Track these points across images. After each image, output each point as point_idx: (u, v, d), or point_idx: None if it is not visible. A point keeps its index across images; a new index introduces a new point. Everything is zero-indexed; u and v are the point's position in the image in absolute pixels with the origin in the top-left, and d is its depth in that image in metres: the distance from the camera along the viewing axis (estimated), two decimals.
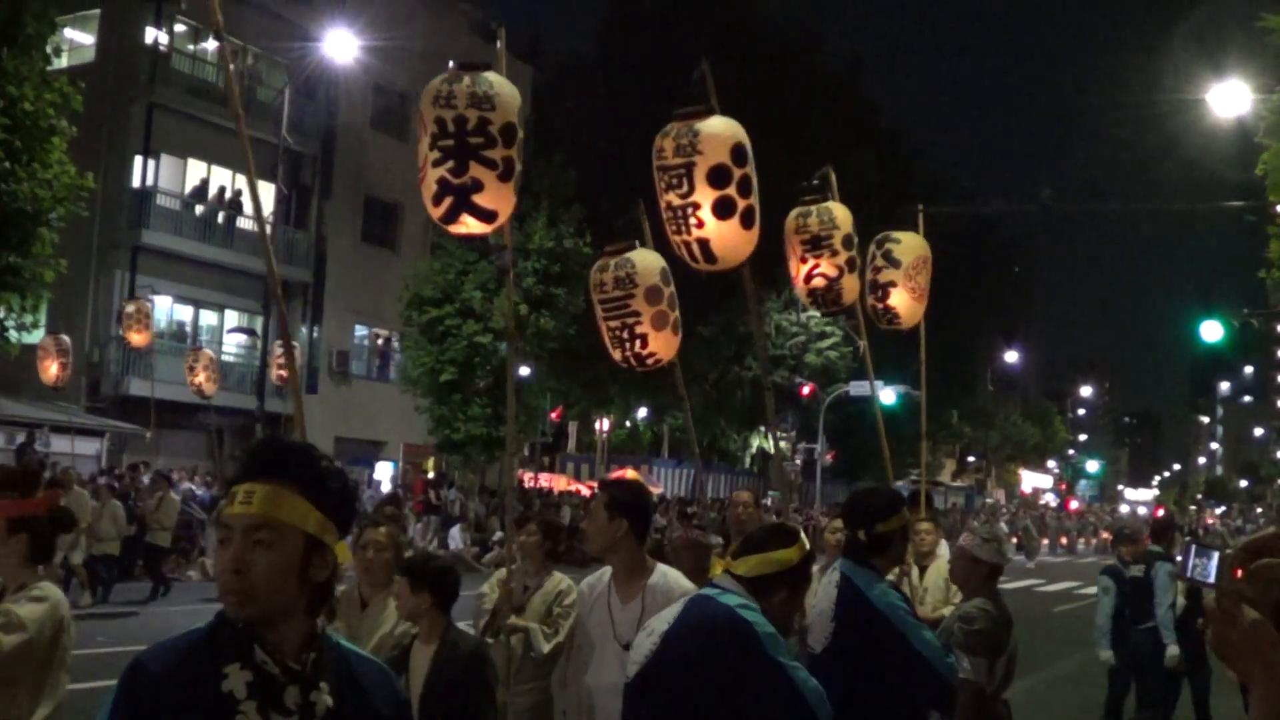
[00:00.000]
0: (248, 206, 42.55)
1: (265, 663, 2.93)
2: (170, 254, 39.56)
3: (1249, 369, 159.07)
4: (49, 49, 26.46)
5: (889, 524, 6.17)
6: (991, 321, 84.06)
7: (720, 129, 8.61)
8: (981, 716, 6.91)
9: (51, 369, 25.14)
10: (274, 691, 2.92)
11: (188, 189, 41.40)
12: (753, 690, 4.67)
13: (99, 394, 37.87)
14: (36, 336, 27.59)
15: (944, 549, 10.88)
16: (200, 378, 26.83)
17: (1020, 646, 7.41)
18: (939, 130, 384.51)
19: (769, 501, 58.89)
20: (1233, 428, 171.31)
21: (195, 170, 41.61)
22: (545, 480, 49.85)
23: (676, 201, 8.48)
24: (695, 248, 8.57)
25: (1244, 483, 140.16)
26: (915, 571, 10.49)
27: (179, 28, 41.50)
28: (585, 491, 45.85)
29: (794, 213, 10.47)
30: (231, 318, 42.64)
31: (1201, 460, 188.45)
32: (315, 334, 44.54)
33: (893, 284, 11.77)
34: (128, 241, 38.61)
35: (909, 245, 11.99)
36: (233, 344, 42.62)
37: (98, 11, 39.76)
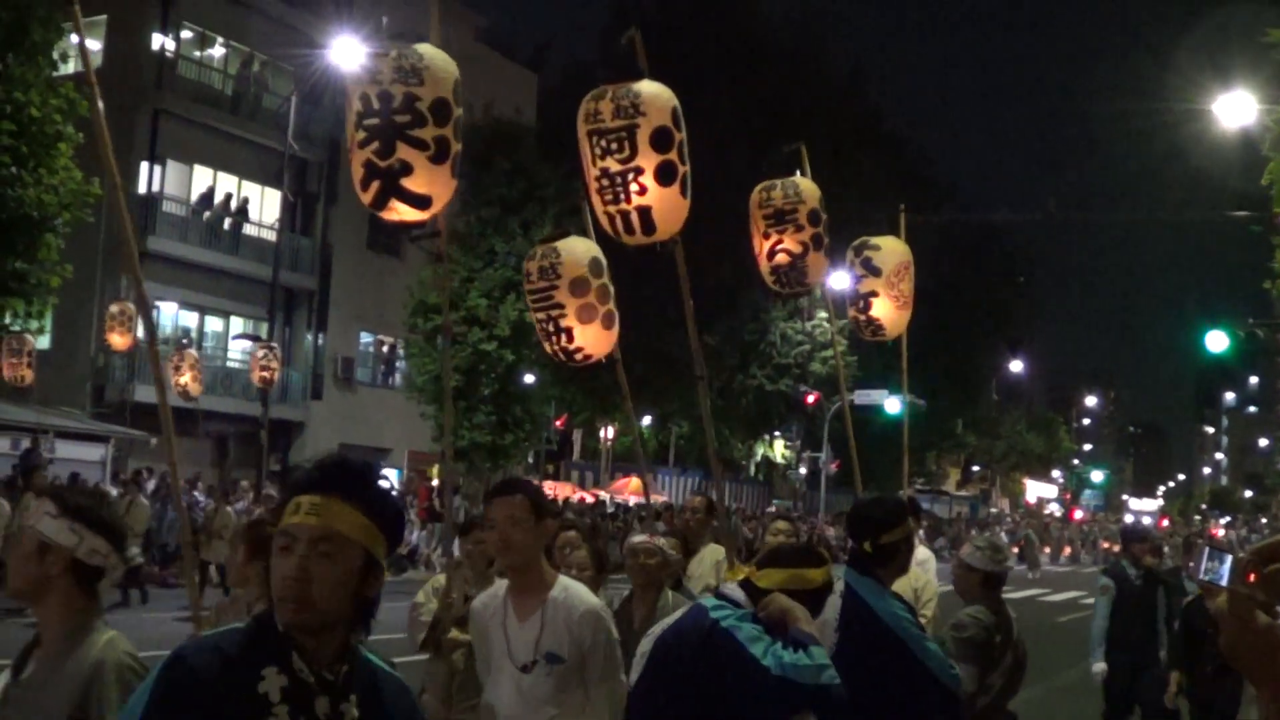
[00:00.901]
0: (254, 213, 42.64)
1: (301, 670, 2.97)
2: (176, 260, 39.61)
3: (1254, 379, 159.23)
4: (55, 55, 26.50)
5: (894, 534, 6.14)
6: (997, 331, 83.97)
7: (659, 91, 8.23)
8: None
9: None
10: (307, 699, 2.96)
11: (194, 195, 41.44)
12: (740, 692, 4.65)
13: (104, 400, 37.89)
14: (44, 343, 27.64)
15: (922, 556, 10.24)
16: (185, 378, 26.71)
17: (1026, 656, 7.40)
18: (944, 139, 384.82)
19: (773, 508, 59.02)
20: (1237, 438, 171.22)
21: (201, 177, 41.66)
22: (549, 488, 49.85)
23: (615, 168, 8.10)
24: (634, 217, 8.17)
25: (1248, 493, 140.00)
26: None
27: (185, 34, 41.57)
28: (590, 500, 45.86)
29: (759, 187, 10.24)
30: (237, 324, 42.67)
31: (1206, 470, 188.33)
32: (320, 341, 44.58)
33: (874, 294, 11.61)
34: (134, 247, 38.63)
35: (889, 251, 11.90)
36: (238, 350, 42.66)
37: (104, 17, 39.81)
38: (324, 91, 40.61)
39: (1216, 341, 30.05)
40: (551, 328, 8.92)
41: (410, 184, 7.60)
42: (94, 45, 40.38)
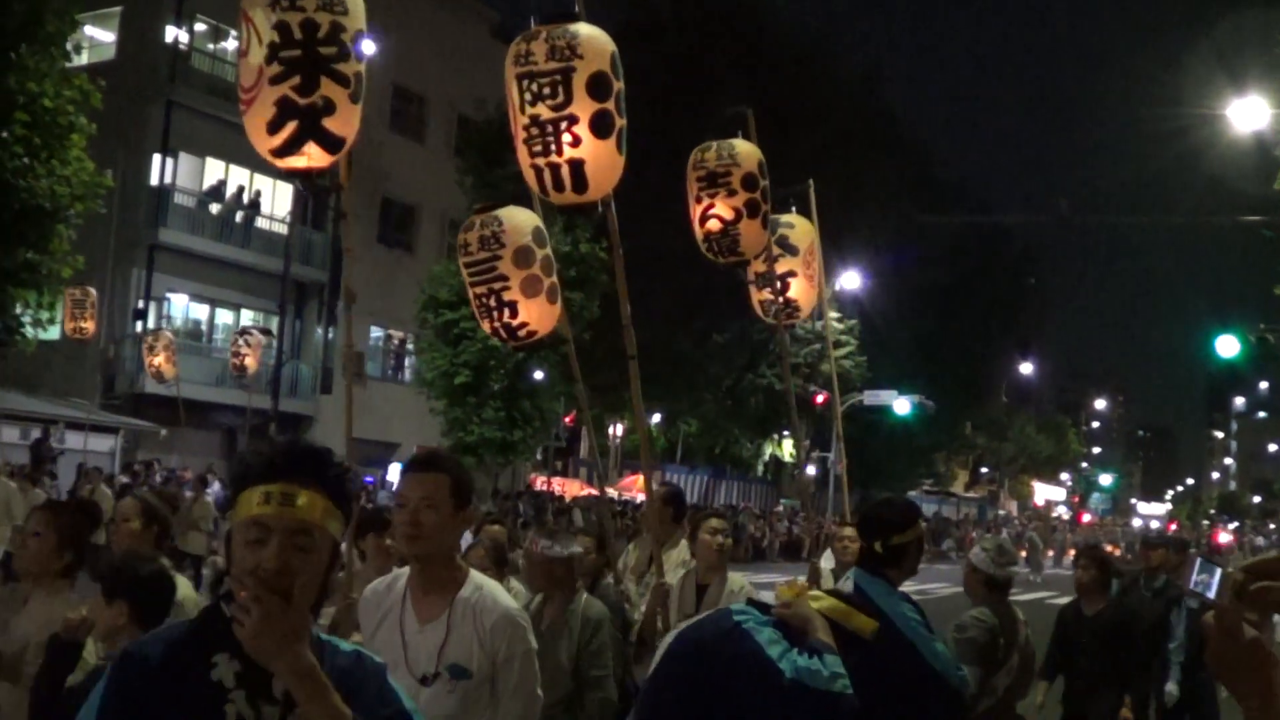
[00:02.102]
0: (266, 206, 42.66)
1: None
2: (187, 252, 39.67)
3: (1264, 384, 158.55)
4: (69, 46, 26.52)
5: (905, 535, 6.13)
6: (1006, 332, 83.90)
7: (597, 34, 7.48)
8: None
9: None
10: (263, 681, 2.92)
11: (205, 188, 41.49)
12: (751, 694, 4.63)
13: (114, 391, 37.94)
14: (53, 333, 27.64)
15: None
16: (159, 359, 26.62)
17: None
18: (956, 140, 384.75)
19: (780, 508, 59.04)
20: (1246, 444, 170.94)
21: (213, 169, 41.69)
22: (558, 485, 49.88)
23: (547, 115, 7.28)
24: (565, 171, 7.35)
25: (1256, 499, 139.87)
26: (830, 580, 9.45)
27: (199, 26, 41.61)
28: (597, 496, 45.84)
29: (696, 149, 9.54)
30: (247, 317, 42.71)
31: (1215, 475, 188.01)
32: (330, 335, 44.60)
33: (792, 274, 10.94)
34: (145, 240, 38.71)
35: (803, 230, 11.17)
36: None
37: (119, 9, 39.86)
38: None
39: (1227, 346, 29.96)
40: (493, 302, 8.32)
41: (331, 124, 7.18)
42: (108, 37, 40.52)
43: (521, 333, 8.40)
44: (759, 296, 11.10)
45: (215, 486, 31.24)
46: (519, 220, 8.33)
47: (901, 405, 55.42)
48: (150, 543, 6.58)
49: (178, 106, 39.58)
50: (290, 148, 7.17)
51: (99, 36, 40.18)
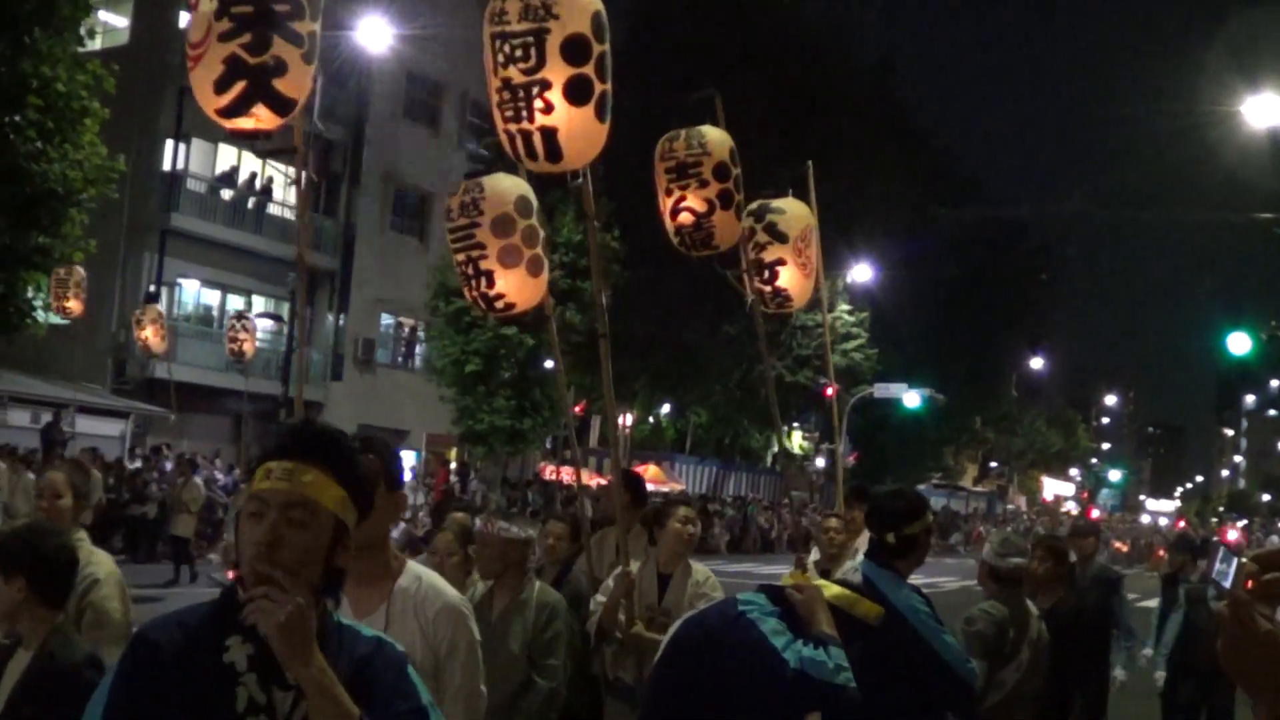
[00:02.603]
0: (278, 193, 42.66)
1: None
2: (199, 238, 39.66)
3: (1275, 382, 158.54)
4: (83, 31, 26.53)
5: (915, 526, 6.13)
6: (1018, 327, 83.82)
7: None
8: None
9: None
10: (275, 665, 2.90)
11: (218, 174, 41.49)
12: (755, 683, 4.61)
13: (124, 376, 37.97)
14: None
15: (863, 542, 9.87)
16: (147, 332, 26.51)
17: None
18: (972, 134, 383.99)
19: (787, 502, 59.01)
20: (1256, 441, 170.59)
21: (226, 155, 41.69)
22: (567, 474, 49.88)
23: (518, 79, 6.75)
24: (537, 139, 6.79)
25: (1266, 496, 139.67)
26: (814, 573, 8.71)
27: None
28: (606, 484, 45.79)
29: (663, 138, 9.11)
30: (258, 303, 42.72)
31: (1224, 473, 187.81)
32: (341, 321, 44.61)
33: (781, 262, 10.36)
34: (157, 224, 38.71)
35: (794, 215, 10.58)
36: (259, 329, 42.77)
37: None
38: (350, 72, 40.60)
39: (1238, 344, 29.90)
40: (471, 270, 8.00)
41: (281, 85, 6.93)
42: (121, 22, 40.50)
43: (499, 304, 8.04)
44: (753, 286, 10.48)
45: (214, 472, 31.34)
46: (501, 188, 7.97)
47: (912, 398, 55.45)
48: (75, 517, 6.42)
49: (190, 92, 39.50)
50: (238, 108, 7.00)
51: (112, 21, 40.17)
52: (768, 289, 10.28)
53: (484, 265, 7.85)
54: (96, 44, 30.34)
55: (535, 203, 8.00)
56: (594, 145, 7.02)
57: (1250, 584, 2.26)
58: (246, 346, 28.71)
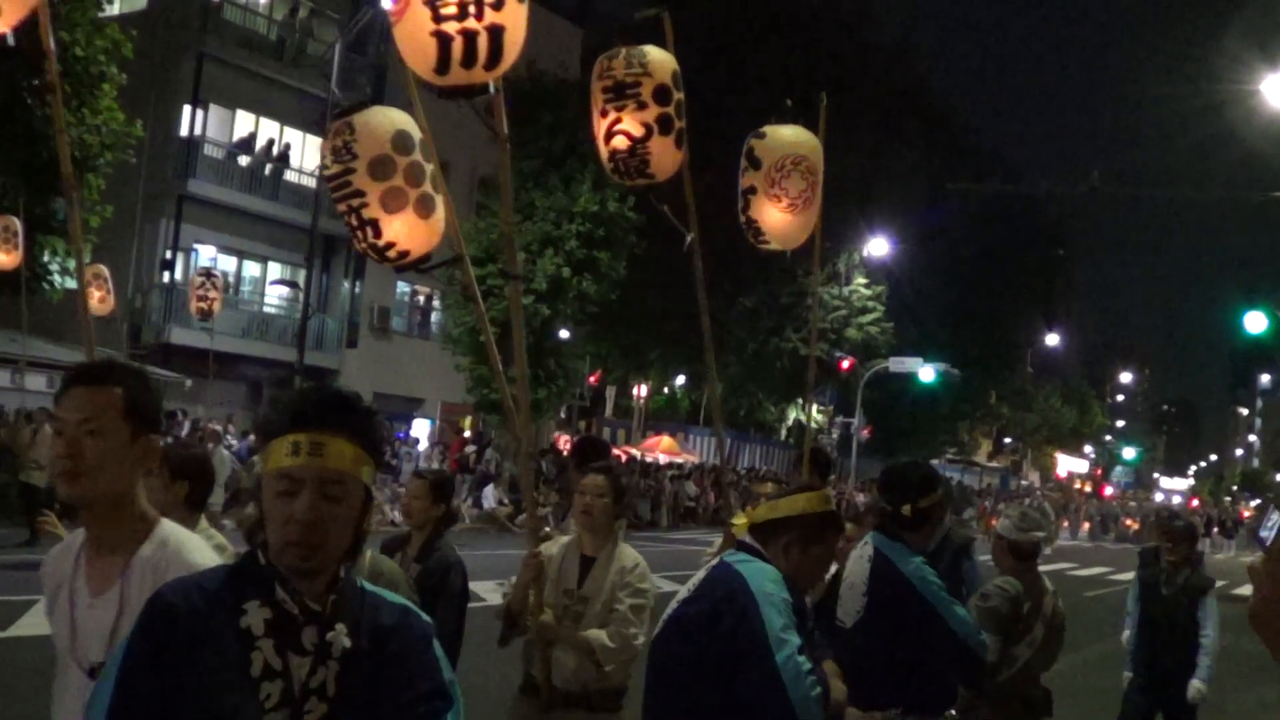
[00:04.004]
0: (295, 159, 42.63)
1: (285, 601, 2.91)
2: (216, 204, 39.66)
3: None
4: None
5: (931, 498, 6.14)
6: (1034, 303, 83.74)
7: None
8: (1015, 699, 6.86)
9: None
10: (293, 630, 2.90)
11: (235, 140, 41.48)
12: (739, 664, 4.59)
13: (140, 341, 38.02)
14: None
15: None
16: (96, 297, 26.03)
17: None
18: (988, 111, 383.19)
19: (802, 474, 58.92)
20: (1271, 420, 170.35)
21: (243, 122, 41.65)
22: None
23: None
24: (483, 40, 6.41)
25: (1279, 476, 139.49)
26: None
27: None
28: (622, 457, 45.90)
29: (601, 57, 8.50)
30: (275, 270, 42.77)
31: (1238, 452, 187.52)
32: (357, 289, 44.64)
33: (753, 190, 9.34)
34: (174, 190, 38.71)
35: (777, 141, 9.47)
36: (275, 296, 42.79)
37: None
38: (369, 39, 40.55)
39: (1255, 323, 29.85)
40: (355, 221, 7.05)
41: None
42: None
43: (391, 253, 7.11)
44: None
45: (228, 439, 31.33)
46: (375, 125, 7.00)
47: (927, 373, 55.41)
48: None
49: (209, 58, 39.51)
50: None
51: None
52: (742, 218, 9.39)
53: (367, 214, 6.94)
54: (115, 9, 30.38)
55: (418, 134, 7.08)
56: (516, 43, 6.59)
57: None
58: (215, 305, 28.27)
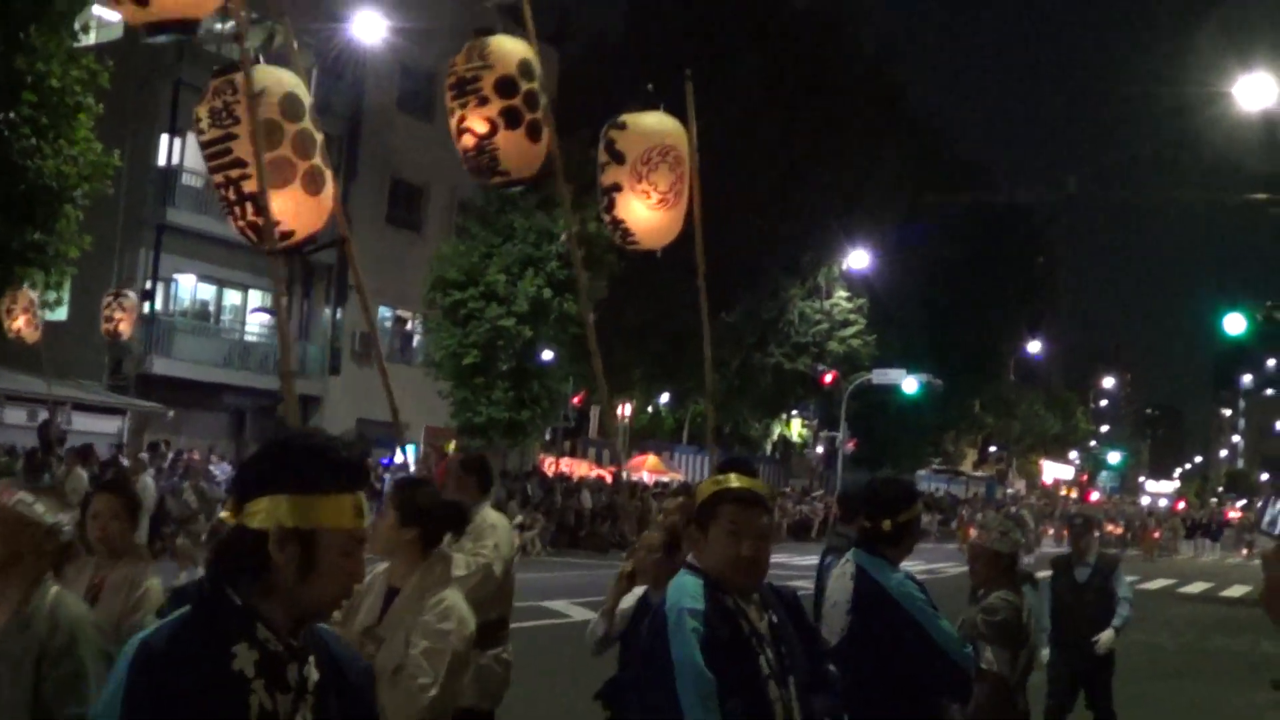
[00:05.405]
0: None
1: (268, 640, 2.94)
2: (195, 233, 39.56)
3: (1271, 362, 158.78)
4: (77, 26, 26.51)
5: (910, 513, 6.16)
6: (1015, 311, 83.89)
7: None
8: (1002, 707, 6.87)
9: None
10: (278, 669, 2.93)
11: None
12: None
13: (120, 372, 37.94)
14: (61, 314, 27.59)
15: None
16: (19, 322, 25.67)
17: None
18: (966, 118, 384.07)
19: (788, 488, 59.05)
20: (1254, 421, 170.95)
21: None
22: (566, 465, 49.91)
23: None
24: None
25: (1264, 476, 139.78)
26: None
27: None
28: (607, 477, 45.91)
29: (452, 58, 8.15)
30: (255, 298, 42.71)
31: (1223, 453, 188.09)
32: (338, 315, 44.60)
33: (618, 188, 8.55)
34: (153, 219, 38.66)
35: (640, 131, 8.61)
36: (255, 324, 42.71)
37: None
38: (345, 65, 40.59)
39: (1234, 324, 29.98)
40: (233, 195, 6.53)
41: None
42: (115, 17, 40.34)
43: (277, 234, 6.59)
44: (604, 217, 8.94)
45: (210, 468, 31.16)
46: (266, 84, 6.44)
47: (910, 384, 55.52)
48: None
49: (185, 86, 39.44)
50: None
51: (106, 16, 39.99)
52: (606, 218, 8.69)
53: (247, 187, 6.36)
54: (90, 39, 30.32)
55: (309, 99, 6.63)
56: None
57: None
58: (123, 326, 27.92)
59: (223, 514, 3.13)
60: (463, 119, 7.73)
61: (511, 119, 7.66)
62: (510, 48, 7.86)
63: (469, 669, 5.88)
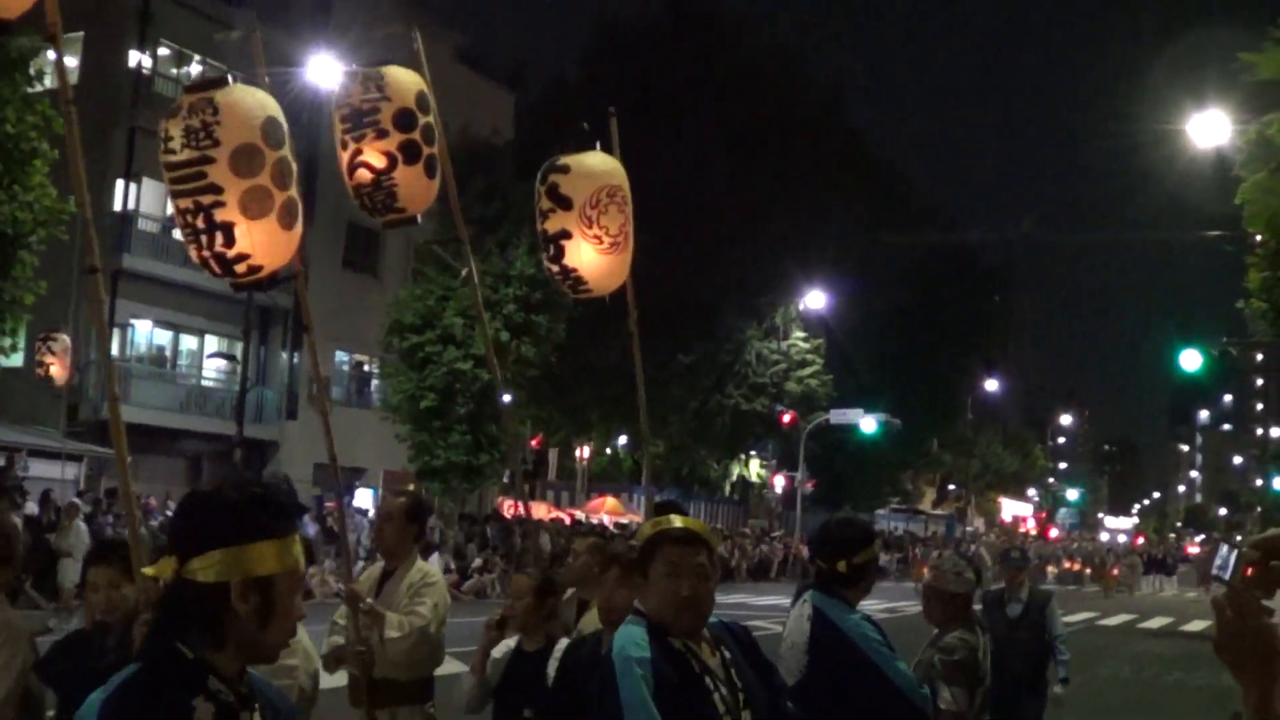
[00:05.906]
0: None
1: (220, 691, 2.93)
2: (151, 278, 39.47)
3: (1228, 398, 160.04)
4: (32, 71, 26.44)
5: (866, 554, 6.16)
6: (972, 350, 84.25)
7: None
8: None
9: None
10: (233, 717, 2.94)
11: (170, 214, 41.29)
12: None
13: (78, 418, 37.74)
14: (16, 360, 27.44)
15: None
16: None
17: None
18: (921, 159, 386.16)
19: (746, 529, 59.03)
20: (1212, 456, 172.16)
21: None
22: (528, 509, 49.74)
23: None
24: None
25: (1223, 511, 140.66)
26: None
27: (162, 51, 41.50)
28: (566, 520, 45.84)
29: (341, 87, 8.07)
30: (211, 343, 42.59)
31: (1181, 488, 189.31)
32: (295, 360, 44.49)
33: (565, 234, 8.14)
34: (109, 265, 38.53)
35: (584, 173, 8.23)
36: (212, 369, 42.58)
37: (81, 34, 39.68)
38: (300, 110, 40.56)
39: (1190, 360, 30.19)
40: (202, 223, 5.95)
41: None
42: (70, 62, 40.27)
43: (240, 267, 6.09)
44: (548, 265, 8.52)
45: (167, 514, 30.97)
46: (244, 108, 6.00)
47: (868, 424, 55.61)
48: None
49: (141, 131, 39.39)
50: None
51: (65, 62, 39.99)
52: (555, 268, 8.28)
53: (220, 216, 5.89)
54: (46, 84, 30.27)
55: (286, 126, 6.20)
56: None
57: (1249, 570, 2.29)
58: (55, 371, 27.94)
59: (148, 570, 3.14)
60: (358, 152, 7.49)
61: (410, 153, 7.46)
62: (407, 80, 7.69)
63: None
